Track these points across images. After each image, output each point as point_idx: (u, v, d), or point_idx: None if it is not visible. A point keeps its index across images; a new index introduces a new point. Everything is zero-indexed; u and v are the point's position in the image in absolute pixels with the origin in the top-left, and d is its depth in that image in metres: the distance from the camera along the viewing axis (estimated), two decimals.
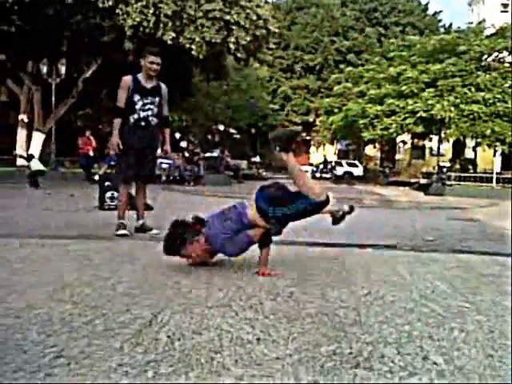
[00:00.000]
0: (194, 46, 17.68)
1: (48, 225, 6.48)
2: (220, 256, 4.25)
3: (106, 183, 8.26)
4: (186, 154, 19.86)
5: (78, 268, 3.73)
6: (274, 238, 3.86)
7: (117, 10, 17.07)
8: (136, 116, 5.53)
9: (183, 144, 20.80)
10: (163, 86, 5.73)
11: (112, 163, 19.93)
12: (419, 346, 2.33)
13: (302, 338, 2.38)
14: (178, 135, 34.04)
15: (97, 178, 12.73)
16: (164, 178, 18.97)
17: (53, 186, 14.18)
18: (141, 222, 5.83)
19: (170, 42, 17.46)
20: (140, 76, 5.58)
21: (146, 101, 5.54)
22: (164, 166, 19.55)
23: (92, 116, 29.23)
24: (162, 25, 17.28)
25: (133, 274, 3.60)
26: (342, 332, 2.48)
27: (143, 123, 5.55)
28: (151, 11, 16.92)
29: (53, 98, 19.92)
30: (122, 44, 17.87)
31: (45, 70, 20.08)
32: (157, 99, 5.62)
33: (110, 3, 16.92)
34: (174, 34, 17.39)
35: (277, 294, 3.15)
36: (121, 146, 5.45)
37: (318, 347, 2.27)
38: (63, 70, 20.19)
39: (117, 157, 5.73)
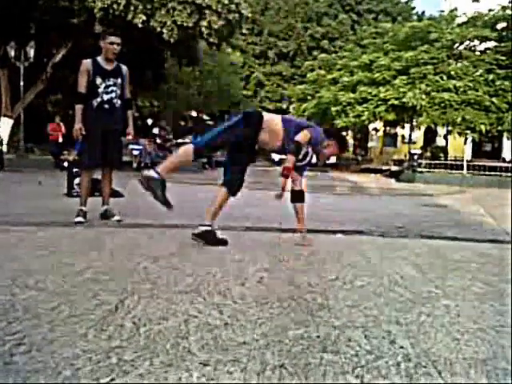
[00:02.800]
0: (165, 30, 17.40)
1: (14, 211, 6.34)
2: (190, 242, 4.22)
3: (75, 170, 8.09)
4: (158, 140, 19.64)
5: (43, 255, 3.65)
6: (244, 224, 3.85)
7: None
8: (99, 99, 5.39)
9: (155, 130, 20.53)
10: (124, 67, 5.63)
11: (81, 150, 19.70)
12: (386, 331, 2.33)
13: (270, 322, 2.37)
14: (150, 121, 33.73)
15: (66, 164, 12.50)
16: (135, 164, 18.73)
17: (21, 173, 13.91)
18: (105, 207, 5.76)
19: (140, 25, 17.18)
20: (100, 58, 5.46)
21: (108, 83, 5.42)
22: (135, 152, 19.32)
23: (62, 101, 28.69)
24: (132, 7, 16.97)
25: (100, 260, 3.54)
26: (309, 316, 2.48)
27: (107, 106, 5.42)
28: None
29: (21, 83, 19.48)
30: (92, 27, 17.50)
31: (12, 53, 19.60)
32: (119, 80, 5.51)
33: None
34: (144, 17, 17.11)
35: (246, 279, 3.13)
36: (83, 132, 5.32)
37: (286, 331, 2.25)
38: (32, 53, 19.73)
39: (80, 142, 5.61)
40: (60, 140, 18.01)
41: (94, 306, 2.50)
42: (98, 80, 5.38)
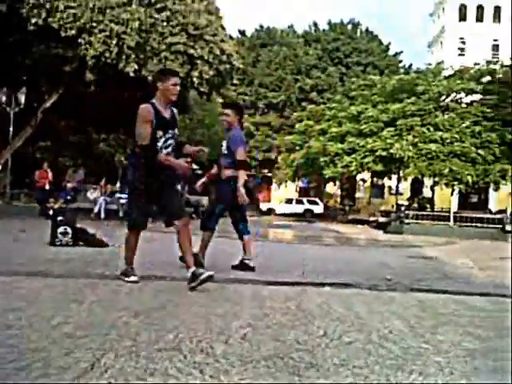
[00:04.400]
0: None
1: None
2: (170, 297, 4.10)
3: (59, 218, 7.93)
4: None
5: (20, 307, 3.50)
6: (227, 276, 3.75)
7: (79, 40, 16.90)
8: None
9: None
10: (174, 109, 4.79)
11: (68, 198, 19.57)
12: None
13: (255, 382, 2.25)
14: None
15: (51, 212, 12.34)
16: (122, 213, 18.55)
17: (5, 220, 13.71)
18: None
19: (132, 74, 17.33)
20: (158, 104, 4.56)
21: (167, 136, 4.61)
22: (122, 201, 19.17)
23: (51, 148, 28.71)
24: (124, 56, 17.11)
25: (79, 313, 3.41)
26: (296, 376, 2.36)
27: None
28: (114, 42, 16.78)
29: (10, 128, 19.49)
30: (83, 75, 17.63)
31: (3, 98, 19.69)
32: (176, 131, 4.72)
33: (73, 32, 16.75)
34: (136, 66, 17.23)
35: (229, 335, 3.01)
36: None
37: None
38: (23, 99, 19.82)
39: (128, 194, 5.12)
40: (47, 187, 17.86)
41: (69, 365, 2.37)
42: (159, 133, 4.53)
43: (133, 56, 17.29)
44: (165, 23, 17.77)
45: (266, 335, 3.06)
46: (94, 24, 16.99)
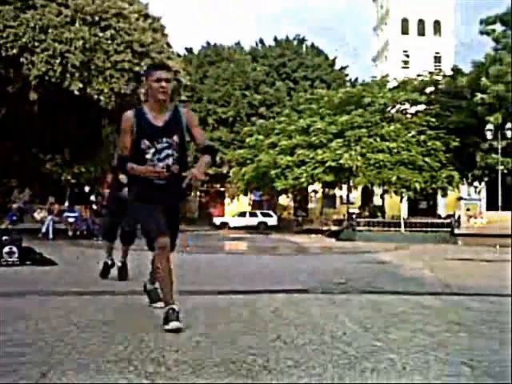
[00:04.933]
0: (102, 97, 17.32)
1: None
2: (120, 311, 4.02)
3: (4, 238, 7.73)
4: (94, 207, 19.19)
5: None
6: (178, 288, 3.71)
7: (21, 59, 16.55)
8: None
9: (92, 197, 20.14)
10: (182, 109, 3.88)
11: (14, 218, 19.04)
12: None
13: None
14: (87, 188, 33.12)
15: None
16: (71, 232, 18.16)
17: None
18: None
19: (76, 93, 17.07)
20: (147, 109, 3.74)
21: (160, 145, 3.66)
22: (70, 219, 18.78)
23: None
24: (68, 75, 16.86)
25: (25, 331, 3.28)
26: (249, 379, 2.32)
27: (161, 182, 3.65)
28: (58, 61, 16.50)
29: None
30: (27, 94, 17.26)
31: None
32: (175, 138, 3.69)
33: (15, 51, 16.41)
34: (81, 85, 16.98)
35: (181, 344, 2.95)
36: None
37: None
38: None
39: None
40: None
41: (13, 382, 2.26)
42: (145, 142, 3.63)
43: (77, 74, 17.03)
44: (109, 41, 17.60)
45: (219, 342, 3.01)
46: (36, 43, 16.68)
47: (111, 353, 2.74)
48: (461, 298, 4.98)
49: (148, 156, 3.64)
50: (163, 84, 3.64)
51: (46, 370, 2.43)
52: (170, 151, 3.67)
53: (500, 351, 2.87)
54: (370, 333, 3.32)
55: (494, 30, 29.53)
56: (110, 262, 6.24)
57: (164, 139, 3.67)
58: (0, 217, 17.25)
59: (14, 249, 7.50)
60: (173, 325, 3.26)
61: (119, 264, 6.10)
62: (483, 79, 26.09)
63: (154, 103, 3.72)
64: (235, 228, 34.61)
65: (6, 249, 7.46)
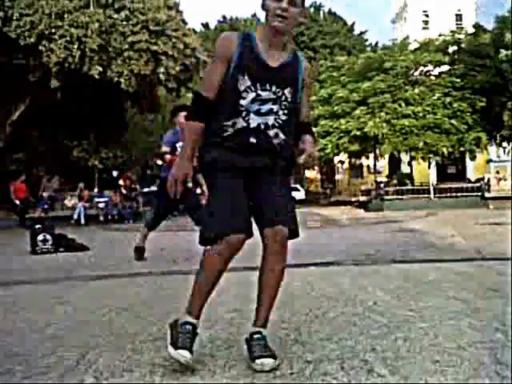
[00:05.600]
0: (122, 80, 17.39)
1: None
2: (152, 292, 4.09)
3: (37, 226, 7.89)
4: (123, 191, 19.41)
5: (3, 315, 3.46)
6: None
7: (40, 47, 16.65)
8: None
9: (120, 181, 20.34)
10: (303, 58, 2.67)
11: (46, 207, 19.36)
12: (363, 360, 2.23)
13: (240, 364, 2.24)
14: (115, 173, 33.47)
15: (29, 223, 12.24)
16: (102, 217, 18.45)
17: None
18: None
19: (97, 77, 17.15)
20: (257, 39, 2.50)
21: (264, 93, 2.47)
22: (101, 205, 19.06)
23: (24, 160, 28.35)
24: (87, 59, 16.94)
25: (63, 315, 3.38)
26: (282, 353, 2.35)
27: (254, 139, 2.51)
28: (76, 46, 16.58)
29: None
30: (48, 82, 17.40)
31: None
32: (287, 91, 2.55)
33: (33, 40, 16.50)
34: (100, 68, 17.06)
35: (215, 321, 3.00)
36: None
37: (258, 372, 2.13)
38: None
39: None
40: (23, 199, 17.65)
41: (53, 364, 2.34)
42: (245, 81, 2.43)
43: (96, 58, 17.09)
44: (125, 22, 17.59)
45: (252, 318, 3.05)
46: (53, 30, 16.75)
47: (146, 333, 2.81)
48: (492, 263, 4.94)
49: (243, 102, 2.42)
50: (283, 5, 2.36)
51: (84, 352, 2.50)
52: (275, 107, 2.46)
53: None
54: (401, 302, 3.33)
55: None
56: (142, 245, 6.34)
57: (273, 87, 2.46)
58: (32, 206, 17.53)
59: (48, 236, 7.66)
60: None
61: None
62: (507, 35, 25.34)
63: (269, 32, 2.46)
64: None
65: (40, 237, 7.63)
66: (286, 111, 2.47)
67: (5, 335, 2.91)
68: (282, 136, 2.46)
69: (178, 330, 2.28)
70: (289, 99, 2.48)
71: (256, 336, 2.33)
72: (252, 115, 2.42)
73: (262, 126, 2.42)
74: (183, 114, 5.62)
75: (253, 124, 2.41)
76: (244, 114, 2.41)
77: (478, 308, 3.09)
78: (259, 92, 2.42)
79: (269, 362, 2.18)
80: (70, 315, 3.38)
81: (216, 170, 2.42)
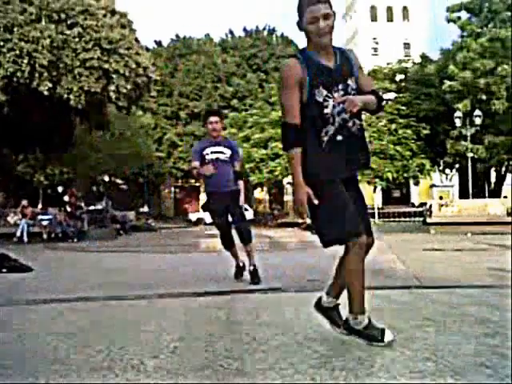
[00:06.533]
0: (72, 96, 17.29)
1: None
2: (98, 317, 4.10)
3: None
4: (68, 209, 19.12)
5: None
6: (155, 291, 3.78)
7: None
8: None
9: (66, 198, 20.05)
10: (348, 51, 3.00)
11: None
12: None
13: None
14: (60, 189, 32.84)
15: None
16: (45, 235, 18.09)
17: None
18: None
19: (46, 93, 16.96)
20: (311, 53, 2.85)
21: (337, 94, 2.83)
22: (44, 222, 18.69)
23: None
24: (37, 75, 16.78)
25: (5, 342, 3.35)
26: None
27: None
28: (25, 61, 16.42)
29: None
30: None
31: None
32: (351, 83, 2.85)
33: None
34: (50, 84, 16.93)
35: (160, 350, 3.05)
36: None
37: None
38: None
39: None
40: None
41: None
42: (322, 91, 2.80)
43: (46, 74, 16.94)
44: (77, 39, 17.54)
45: (196, 347, 3.13)
46: (2, 43, 16.51)
47: (93, 361, 2.84)
48: (430, 291, 5.16)
49: (327, 110, 2.77)
50: (321, 25, 2.73)
51: (29, 382, 2.51)
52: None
53: (463, 345, 3.03)
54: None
55: (459, 18, 29.98)
56: (241, 264, 6.33)
57: (340, 85, 2.80)
58: None
59: None
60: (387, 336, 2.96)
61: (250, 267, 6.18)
62: (451, 66, 26.50)
63: (319, 46, 2.81)
64: (211, 224, 34.55)
65: None
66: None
67: None
68: (357, 122, 2.86)
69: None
70: (354, 87, 2.84)
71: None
72: (337, 118, 2.80)
73: (342, 122, 2.81)
74: (213, 118, 5.78)
75: (337, 124, 2.80)
76: (331, 119, 2.79)
77: (412, 337, 3.25)
78: (334, 95, 2.78)
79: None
80: (11, 341, 3.36)
81: (323, 182, 2.80)
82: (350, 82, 2.83)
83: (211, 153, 5.63)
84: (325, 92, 2.76)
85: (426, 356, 2.81)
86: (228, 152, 5.74)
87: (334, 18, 2.79)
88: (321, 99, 2.75)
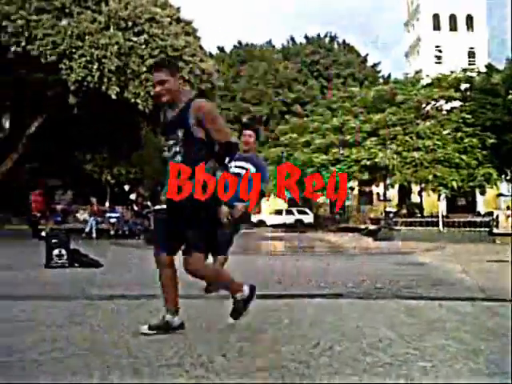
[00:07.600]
0: (139, 101, 17.82)
1: None
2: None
3: (53, 240, 8.10)
4: (135, 208, 19.71)
5: (20, 331, 3.62)
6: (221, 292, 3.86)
7: (60, 65, 17.13)
8: None
9: (132, 197, 20.68)
10: (194, 103, 3.59)
11: (58, 219, 19.65)
12: None
13: None
14: (127, 187, 33.74)
15: (44, 234, 12.47)
16: (112, 232, 18.72)
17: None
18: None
19: (114, 97, 17.55)
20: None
21: (169, 142, 3.59)
22: (112, 220, 19.33)
23: (39, 171, 28.67)
24: (106, 79, 17.38)
25: (81, 335, 3.52)
26: None
27: None
28: (95, 66, 17.06)
29: None
30: (66, 98, 17.82)
31: None
32: (179, 133, 3.57)
33: (54, 58, 16.99)
34: (118, 89, 17.50)
35: (227, 349, 3.15)
36: None
37: None
38: (7, 124, 19.96)
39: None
40: (41, 210, 17.89)
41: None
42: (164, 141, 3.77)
43: (114, 79, 17.51)
44: (143, 46, 18.03)
45: (261, 348, 3.21)
46: (74, 50, 17.23)
47: (163, 357, 2.96)
48: (495, 303, 5.06)
49: (166, 154, 3.59)
50: (156, 89, 3.56)
51: (105, 373, 2.65)
52: (177, 148, 3.50)
53: None
54: (404, 340, 3.46)
55: None
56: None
57: (170, 135, 3.55)
58: (46, 217, 17.76)
59: (63, 251, 7.89)
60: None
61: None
62: None
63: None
64: (272, 226, 34.70)
65: (56, 251, 7.85)
66: (183, 147, 3.49)
67: (25, 351, 3.06)
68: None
69: None
70: (182, 137, 3.48)
71: None
72: (171, 161, 3.56)
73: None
74: (248, 132, 5.80)
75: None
76: (169, 161, 3.57)
77: (477, 350, 3.22)
78: (168, 143, 3.55)
79: None
80: (87, 335, 3.52)
81: None
82: (179, 132, 3.48)
83: (235, 167, 5.37)
84: (163, 141, 3.66)
85: (493, 371, 2.79)
86: (253, 170, 5.52)
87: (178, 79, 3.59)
88: (163, 144, 3.65)
